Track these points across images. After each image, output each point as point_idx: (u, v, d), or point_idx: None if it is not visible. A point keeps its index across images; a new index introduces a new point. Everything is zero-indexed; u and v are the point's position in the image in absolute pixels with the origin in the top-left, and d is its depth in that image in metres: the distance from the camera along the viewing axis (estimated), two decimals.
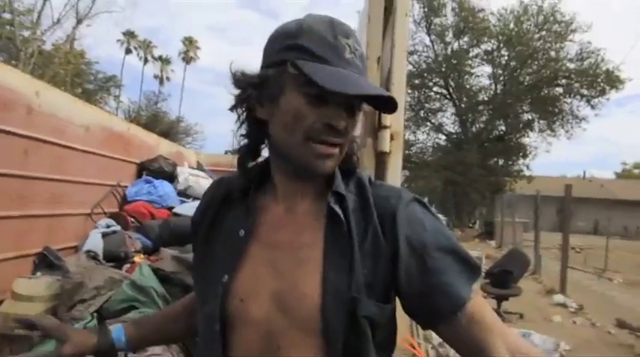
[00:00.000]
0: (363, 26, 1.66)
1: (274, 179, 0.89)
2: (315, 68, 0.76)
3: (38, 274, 2.76)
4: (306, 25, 0.80)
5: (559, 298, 7.69)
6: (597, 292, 8.95)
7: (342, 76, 0.76)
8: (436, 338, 4.91)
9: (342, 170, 0.89)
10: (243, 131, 0.89)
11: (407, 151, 23.69)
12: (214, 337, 0.85)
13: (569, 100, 23.65)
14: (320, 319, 0.78)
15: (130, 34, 41.59)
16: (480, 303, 0.83)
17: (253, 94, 0.83)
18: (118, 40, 41.55)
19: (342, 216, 0.82)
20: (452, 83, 24.76)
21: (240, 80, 0.85)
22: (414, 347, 4.41)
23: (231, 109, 0.87)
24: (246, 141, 0.89)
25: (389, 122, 1.33)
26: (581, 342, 5.15)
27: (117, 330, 1.05)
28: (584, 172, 40.43)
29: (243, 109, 0.87)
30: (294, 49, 0.79)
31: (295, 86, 0.78)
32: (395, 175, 1.33)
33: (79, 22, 22.19)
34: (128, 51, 42.14)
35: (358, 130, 0.96)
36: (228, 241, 0.89)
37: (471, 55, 24.37)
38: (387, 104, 0.83)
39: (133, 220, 4.03)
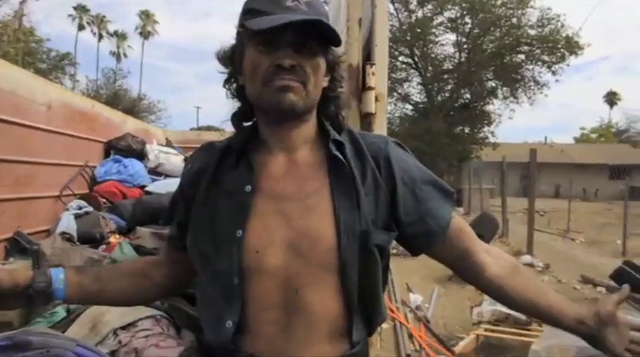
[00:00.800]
0: None
1: (264, 135, 0.96)
2: (255, 21, 0.86)
3: (11, 259, 2.68)
4: None
5: (526, 258, 8.00)
6: (561, 251, 9.37)
7: (272, 18, 0.84)
8: (413, 302, 5.06)
9: (332, 126, 0.98)
10: (238, 103, 0.99)
11: None
12: (232, 291, 0.88)
13: (530, 67, 24.06)
14: (336, 257, 0.87)
15: (82, 9, 39.71)
16: (460, 219, 1.02)
17: (231, 66, 0.96)
18: (70, 16, 39.66)
19: (344, 160, 0.92)
20: (417, 52, 24.78)
21: (222, 58, 0.97)
22: (392, 312, 4.55)
23: (224, 84, 0.98)
24: (238, 108, 0.99)
25: (374, 83, 1.32)
26: None
27: (56, 271, 1.00)
28: (546, 138, 41.77)
29: (232, 82, 0.97)
30: (246, 14, 0.90)
31: (248, 42, 0.90)
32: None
33: None
34: (81, 27, 40.26)
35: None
36: (233, 199, 0.92)
37: (435, 23, 24.39)
38: (331, 37, 0.89)
39: (104, 200, 3.93)
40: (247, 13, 0.90)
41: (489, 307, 4.08)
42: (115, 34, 42.74)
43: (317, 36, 0.88)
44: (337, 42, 0.92)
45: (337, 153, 0.92)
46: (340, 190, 0.90)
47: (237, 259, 0.88)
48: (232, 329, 0.88)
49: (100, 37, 41.53)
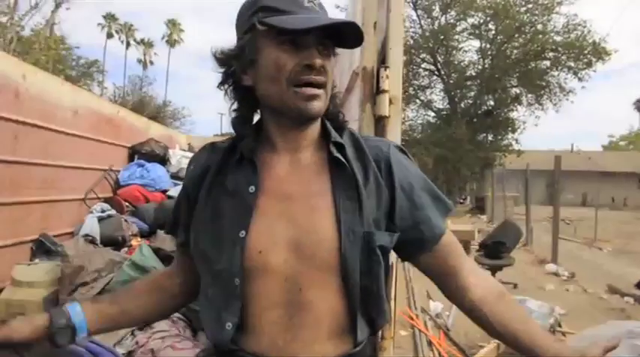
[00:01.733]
0: None
1: (272, 136, 0.95)
2: (279, 19, 0.84)
3: (36, 260, 2.76)
4: None
5: (551, 267, 7.80)
6: (588, 260, 9.13)
7: (304, 18, 0.85)
8: (433, 309, 4.99)
9: (333, 126, 0.97)
10: (235, 106, 0.95)
11: None
12: (233, 291, 0.89)
13: (556, 73, 23.58)
14: (338, 258, 0.87)
15: (110, 18, 40.73)
16: (452, 236, 1.01)
17: (236, 66, 0.91)
18: (99, 24, 40.69)
19: (345, 163, 0.92)
20: (440, 59, 24.60)
21: (221, 58, 0.92)
22: (412, 319, 4.49)
23: (219, 85, 0.94)
24: (238, 111, 0.96)
25: (387, 86, 1.32)
26: (574, 307, 5.27)
27: (72, 305, 0.99)
28: (572, 145, 40.78)
29: (230, 83, 0.94)
30: (259, 12, 0.87)
31: (269, 41, 0.86)
32: (394, 139, 1.33)
33: (57, 5, 21.66)
34: (109, 35, 41.27)
35: (339, 81, 0.99)
36: (236, 199, 0.92)
37: (458, 29, 24.20)
38: (353, 38, 0.90)
39: (127, 204, 4.02)
40: (262, 10, 0.87)
41: None
42: (142, 42, 43.71)
43: (334, 37, 0.89)
44: (359, 44, 0.92)
45: (338, 155, 0.92)
46: (342, 191, 0.90)
47: (239, 260, 0.88)
48: (232, 331, 0.88)
49: (128, 45, 42.53)
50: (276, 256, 0.88)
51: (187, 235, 1.00)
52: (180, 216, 1.02)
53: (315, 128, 0.96)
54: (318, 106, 0.88)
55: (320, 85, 0.87)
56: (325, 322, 0.89)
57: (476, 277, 1.00)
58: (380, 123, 1.33)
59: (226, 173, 0.95)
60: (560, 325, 4.09)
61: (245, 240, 0.88)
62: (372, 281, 0.91)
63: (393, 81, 1.33)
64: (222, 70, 0.93)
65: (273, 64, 0.87)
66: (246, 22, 0.90)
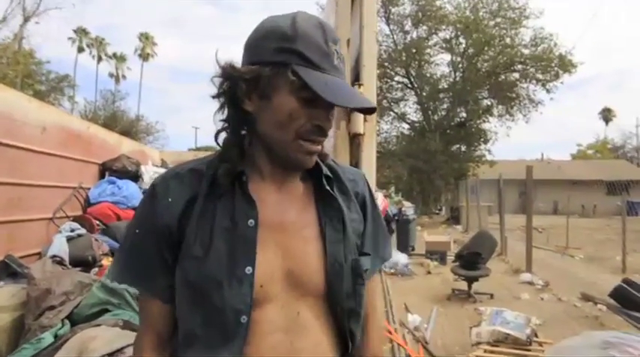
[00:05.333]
0: (330, 11, 1.64)
1: (260, 166, 0.94)
2: (312, 76, 0.83)
3: (1, 283, 2.64)
4: (301, 29, 0.85)
5: (526, 276, 7.92)
6: (561, 268, 9.30)
7: (336, 85, 0.84)
8: (412, 322, 4.99)
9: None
10: (223, 117, 0.92)
11: None
12: (236, 328, 0.86)
13: (525, 85, 24.29)
14: (325, 286, 0.92)
15: (82, 32, 40.05)
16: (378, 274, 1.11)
17: (243, 88, 0.87)
18: (70, 39, 39.94)
19: (337, 197, 0.96)
20: (413, 72, 25.04)
21: (230, 73, 0.87)
22: (390, 333, 4.47)
23: (216, 96, 0.90)
24: (229, 129, 0.92)
25: None
26: (550, 316, 5.34)
27: None
28: (542, 155, 41.78)
29: (229, 100, 0.90)
30: (291, 54, 0.84)
31: (290, 89, 0.84)
32: (370, 156, 1.32)
33: (26, 19, 21.30)
34: (80, 49, 40.52)
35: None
36: (234, 233, 0.88)
37: (430, 43, 24.72)
38: (368, 109, 0.93)
39: (98, 222, 3.91)
40: (297, 56, 0.84)
41: (488, 327, 4.02)
42: (114, 56, 43.11)
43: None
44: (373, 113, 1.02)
45: (328, 188, 0.96)
46: (329, 222, 0.95)
47: (249, 298, 0.86)
48: None
49: (100, 59, 41.86)
50: (274, 286, 0.89)
51: (170, 278, 0.91)
52: (154, 259, 0.91)
53: None
54: (314, 160, 0.93)
55: (321, 143, 0.92)
56: (323, 345, 0.93)
57: (371, 336, 1.07)
58: (355, 140, 1.32)
59: (215, 204, 0.90)
60: (536, 336, 4.13)
61: (252, 276, 0.87)
62: (356, 303, 0.96)
63: (367, 98, 1.32)
64: (221, 80, 0.89)
65: (286, 112, 0.86)
66: (271, 54, 0.85)
